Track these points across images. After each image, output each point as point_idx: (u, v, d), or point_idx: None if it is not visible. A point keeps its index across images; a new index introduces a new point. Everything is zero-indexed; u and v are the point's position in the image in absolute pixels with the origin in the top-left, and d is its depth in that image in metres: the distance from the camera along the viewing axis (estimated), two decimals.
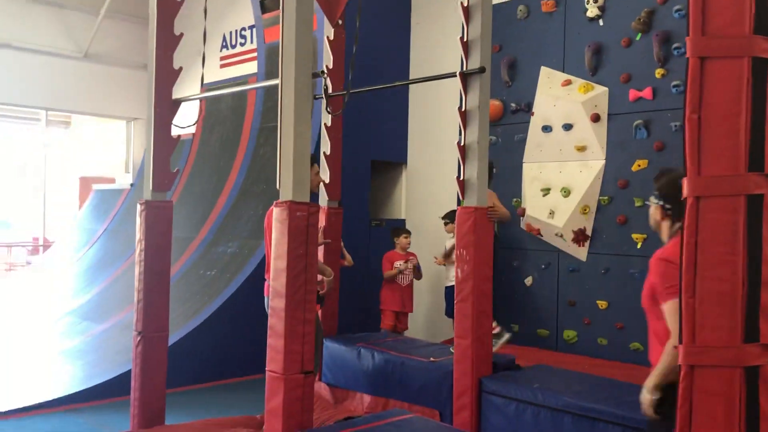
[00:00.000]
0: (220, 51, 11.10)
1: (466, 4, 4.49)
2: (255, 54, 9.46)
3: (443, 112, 7.98)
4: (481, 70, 4.33)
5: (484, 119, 4.45)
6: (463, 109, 4.48)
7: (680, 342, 2.21)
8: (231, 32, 10.95)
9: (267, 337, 3.59)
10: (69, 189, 15.76)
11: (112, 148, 13.44)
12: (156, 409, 4.56)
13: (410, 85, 8.44)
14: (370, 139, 8.06)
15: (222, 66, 10.99)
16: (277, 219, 3.57)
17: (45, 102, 11.55)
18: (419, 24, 8.48)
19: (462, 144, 4.48)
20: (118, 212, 10.37)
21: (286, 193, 3.59)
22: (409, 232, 7.42)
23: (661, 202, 2.95)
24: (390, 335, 6.07)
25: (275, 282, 3.56)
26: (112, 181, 13.34)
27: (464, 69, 4.48)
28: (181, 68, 4.67)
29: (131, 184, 10.68)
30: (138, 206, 4.54)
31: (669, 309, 2.66)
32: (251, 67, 9.69)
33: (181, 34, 4.66)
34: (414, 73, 8.41)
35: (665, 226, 2.95)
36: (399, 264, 7.06)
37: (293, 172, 3.56)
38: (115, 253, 9.58)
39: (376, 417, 3.78)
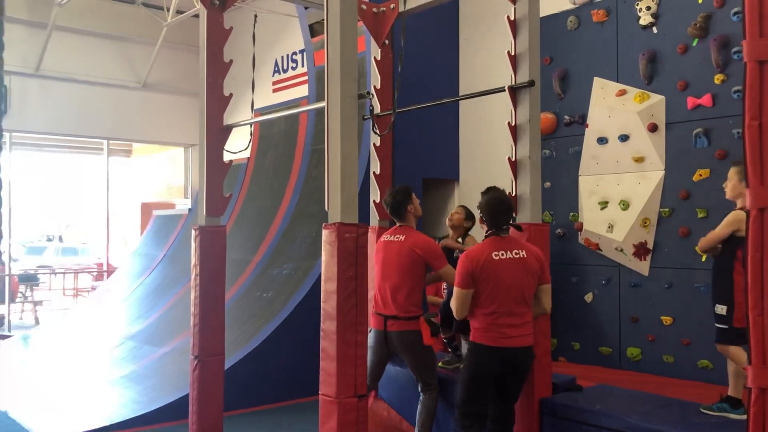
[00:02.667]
0: (273, 76, 11.32)
1: (512, 18, 4.42)
2: (306, 78, 9.60)
3: (495, 126, 7.89)
4: (530, 83, 4.25)
5: (535, 133, 4.36)
6: (513, 123, 4.40)
7: (749, 363, 2.08)
8: (283, 57, 11.16)
9: (320, 360, 3.56)
10: (131, 215, 16.26)
11: (171, 174, 13.82)
12: None
13: (460, 101, 8.39)
14: (422, 157, 8.04)
15: (275, 90, 11.20)
16: (326, 241, 3.56)
17: (107, 132, 11.99)
18: (468, 39, 8.44)
19: (513, 159, 4.39)
20: (177, 237, 10.60)
21: (334, 214, 3.58)
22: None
23: (481, 213, 3.97)
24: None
25: (326, 304, 3.54)
26: (173, 206, 13.69)
27: (513, 83, 4.40)
28: (231, 95, 4.74)
29: (189, 209, 10.92)
30: (192, 232, 4.60)
31: (454, 291, 3.86)
32: (302, 91, 9.84)
33: (231, 62, 4.74)
34: (464, 89, 8.36)
35: (485, 231, 3.96)
36: (432, 298, 6.82)
37: (341, 194, 3.55)
38: (173, 278, 9.78)
39: None
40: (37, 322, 12.89)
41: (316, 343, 6.96)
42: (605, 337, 6.82)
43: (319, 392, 3.55)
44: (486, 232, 3.94)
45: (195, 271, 4.57)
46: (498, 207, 3.93)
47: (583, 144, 7.01)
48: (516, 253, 3.82)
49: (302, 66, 10.47)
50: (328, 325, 3.51)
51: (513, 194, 4.36)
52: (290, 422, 6.06)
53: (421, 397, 4.52)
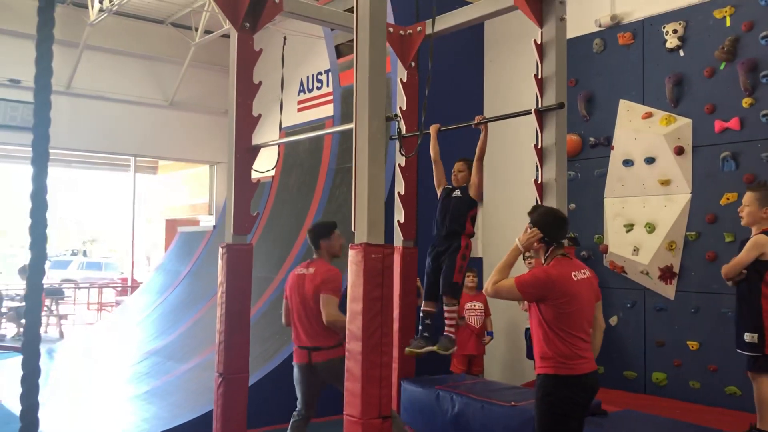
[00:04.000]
0: (298, 95, 11.44)
1: (539, 42, 4.45)
2: (330, 97, 9.69)
3: (519, 149, 7.89)
4: (560, 105, 4.26)
5: (562, 156, 4.37)
6: (539, 146, 4.41)
7: None
8: (308, 77, 11.28)
9: (345, 380, 3.56)
10: (156, 232, 16.43)
11: (195, 191, 13.97)
12: None
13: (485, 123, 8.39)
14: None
15: (299, 110, 11.32)
16: (352, 261, 3.58)
17: (134, 149, 12.17)
18: (493, 61, 8.47)
19: (539, 181, 4.40)
20: (202, 254, 10.69)
21: (360, 235, 3.60)
22: (473, 271, 7.27)
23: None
24: (468, 378, 5.94)
25: (351, 325, 3.55)
26: (197, 223, 13.82)
27: (539, 106, 4.42)
28: (260, 115, 4.81)
29: (214, 226, 11.02)
30: (219, 249, 4.65)
31: (510, 283, 3.58)
32: (327, 110, 9.92)
33: (260, 83, 4.81)
34: (488, 110, 8.37)
35: (540, 251, 3.70)
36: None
37: (368, 214, 3.57)
38: (197, 294, 9.86)
39: None
40: (61, 335, 13.03)
41: None
42: (630, 361, 6.74)
43: (344, 413, 3.55)
44: (547, 251, 3.64)
45: (221, 289, 4.61)
46: (559, 217, 3.79)
47: (609, 166, 6.98)
48: (584, 273, 3.64)
49: (327, 86, 10.57)
50: (353, 346, 3.52)
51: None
52: None
53: None
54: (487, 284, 3.62)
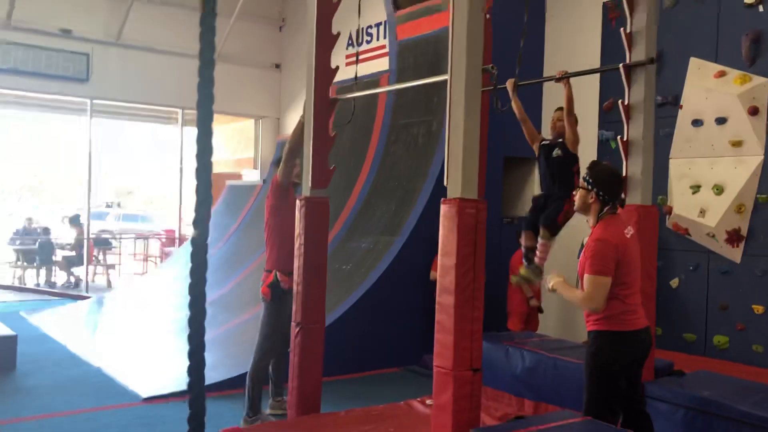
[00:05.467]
0: (346, 49, 11.29)
1: None
2: (384, 51, 9.55)
3: (577, 107, 7.67)
4: (650, 61, 4.15)
5: (650, 113, 4.27)
6: (626, 102, 4.32)
7: None
8: (357, 31, 11.10)
9: (435, 332, 3.59)
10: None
11: (239, 146, 13.98)
12: (312, 398, 4.69)
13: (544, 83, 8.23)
14: (504, 136, 7.94)
15: (348, 64, 11.18)
16: (445, 216, 3.56)
17: (181, 101, 12.18)
18: (554, 17, 8.27)
19: (625, 139, 4.32)
20: (251, 208, 10.76)
21: (454, 190, 3.57)
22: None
23: (595, 189, 3.65)
24: (534, 335, 5.96)
25: (443, 279, 3.56)
26: (239, 177, 13.89)
27: (628, 61, 4.31)
28: (337, 67, 4.76)
29: (264, 180, 11.07)
30: (297, 202, 4.67)
31: (587, 279, 3.52)
32: (379, 65, 9.78)
33: (338, 33, 4.76)
34: (548, 67, 8.21)
35: (594, 210, 3.69)
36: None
37: (462, 169, 3.54)
38: (248, 249, 9.95)
39: (548, 418, 3.71)
40: (109, 285, 13.33)
41: (395, 316, 7.10)
42: (690, 324, 6.71)
43: (434, 364, 3.58)
44: (602, 210, 3.68)
45: (299, 241, 4.63)
46: (617, 176, 3.80)
47: (676, 126, 6.84)
48: (631, 231, 3.69)
49: (377, 39, 10.42)
50: (445, 299, 3.53)
51: (624, 175, 4.29)
52: (370, 393, 6.14)
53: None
54: (590, 307, 3.57)
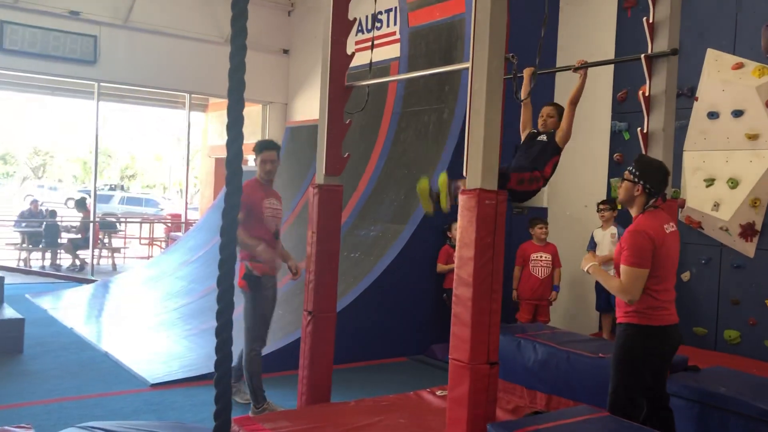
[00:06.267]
0: (355, 35, 11.18)
1: None
2: (395, 37, 9.45)
3: (590, 97, 7.64)
4: (673, 52, 4.09)
5: (671, 105, 4.21)
6: (647, 94, 4.24)
7: None
8: (367, 16, 10.99)
9: (451, 324, 3.54)
10: (202, 169, 16.49)
11: (247, 130, 13.89)
12: (323, 387, 4.66)
13: (557, 73, 8.14)
14: (515, 125, 7.86)
15: (357, 50, 11.08)
16: (464, 207, 3.50)
17: (189, 86, 12.10)
18: (569, 4, 8.17)
19: (644, 131, 4.25)
20: None
21: (474, 180, 3.51)
22: (545, 223, 7.20)
23: (641, 181, 3.59)
24: (546, 327, 5.92)
25: (461, 270, 3.50)
26: (245, 162, 13.81)
27: (650, 51, 4.23)
28: (354, 53, 4.70)
29: None
30: (311, 189, 4.61)
31: (624, 270, 3.49)
32: (390, 52, 9.67)
33: (355, 19, 4.69)
34: (562, 56, 8.12)
35: (640, 202, 3.62)
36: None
37: (483, 159, 3.47)
38: None
39: (565, 414, 3.67)
40: (114, 268, 13.31)
41: (403, 306, 7.07)
42: (701, 318, 6.67)
43: (450, 356, 3.53)
44: (647, 203, 3.62)
45: (312, 229, 4.58)
46: (664, 170, 3.72)
47: (691, 118, 6.76)
48: (673, 227, 3.65)
49: (387, 26, 10.32)
50: (462, 291, 3.47)
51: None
52: (377, 382, 6.12)
53: None
54: (625, 298, 3.54)
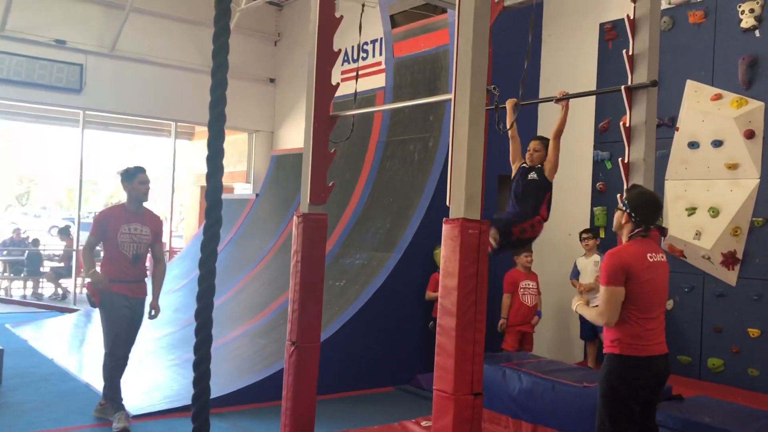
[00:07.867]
0: (341, 65, 11.29)
1: (632, 17, 4.32)
2: (380, 67, 9.55)
3: (573, 127, 7.72)
4: (653, 83, 4.15)
5: (651, 135, 4.26)
6: (627, 125, 4.30)
7: None
8: (353, 46, 11.12)
9: (435, 354, 3.53)
10: (188, 197, 16.44)
11: (231, 159, 13.91)
12: (307, 419, 4.62)
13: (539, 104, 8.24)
14: (499, 154, 7.92)
15: (343, 80, 11.17)
16: (447, 236, 3.52)
17: (174, 114, 12.12)
18: (551, 36, 8.31)
19: (626, 161, 4.30)
20: (244, 222, 10.68)
21: (457, 210, 3.53)
22: (530, 251, 7.22)
23: (628, 210, 3.70)
24: (531, 356, 5.92)
25: (444, 300, 3.50)
26: (231, 190, 13.81)
27: (630, 83, 4.30)
28: (338, 84, 4.74)
29: (257, 195, 10.99)
30: (295, 218, 4.62)
31: (600, 291, 3.62)
32: (376, 81, 9.77)
33: (339, 50, 4.73)
34: (545, 88, 8.23)
35: (627, 230, 3.72)
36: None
37: (465, 189, 3.50)
38: (240, 263, 9.87)
39: None
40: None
41: (389, 335, 7.03)
42: (685, 346, 6.68)
43: (434, 387, 3.52)
44: (633, 231, 3.69)
45: (296, 258, 4.57)
46: (655, 202, 3.79)
47: (672, 147, 6.86)
48: (661, 257, 3.69)
49: (373, 56, 10.43)
50: (446, 321, 3.47)
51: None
52: (362, 412, 6.07)
53: None
54: (601, 321, 3.62)
